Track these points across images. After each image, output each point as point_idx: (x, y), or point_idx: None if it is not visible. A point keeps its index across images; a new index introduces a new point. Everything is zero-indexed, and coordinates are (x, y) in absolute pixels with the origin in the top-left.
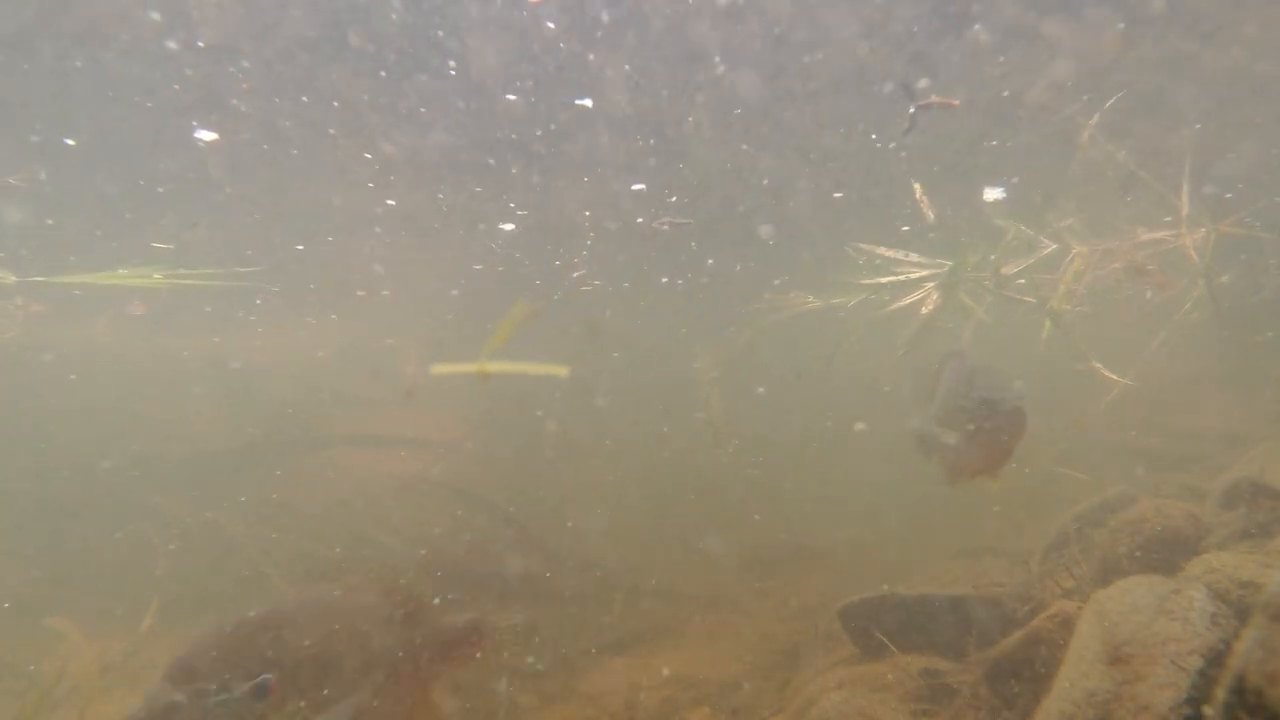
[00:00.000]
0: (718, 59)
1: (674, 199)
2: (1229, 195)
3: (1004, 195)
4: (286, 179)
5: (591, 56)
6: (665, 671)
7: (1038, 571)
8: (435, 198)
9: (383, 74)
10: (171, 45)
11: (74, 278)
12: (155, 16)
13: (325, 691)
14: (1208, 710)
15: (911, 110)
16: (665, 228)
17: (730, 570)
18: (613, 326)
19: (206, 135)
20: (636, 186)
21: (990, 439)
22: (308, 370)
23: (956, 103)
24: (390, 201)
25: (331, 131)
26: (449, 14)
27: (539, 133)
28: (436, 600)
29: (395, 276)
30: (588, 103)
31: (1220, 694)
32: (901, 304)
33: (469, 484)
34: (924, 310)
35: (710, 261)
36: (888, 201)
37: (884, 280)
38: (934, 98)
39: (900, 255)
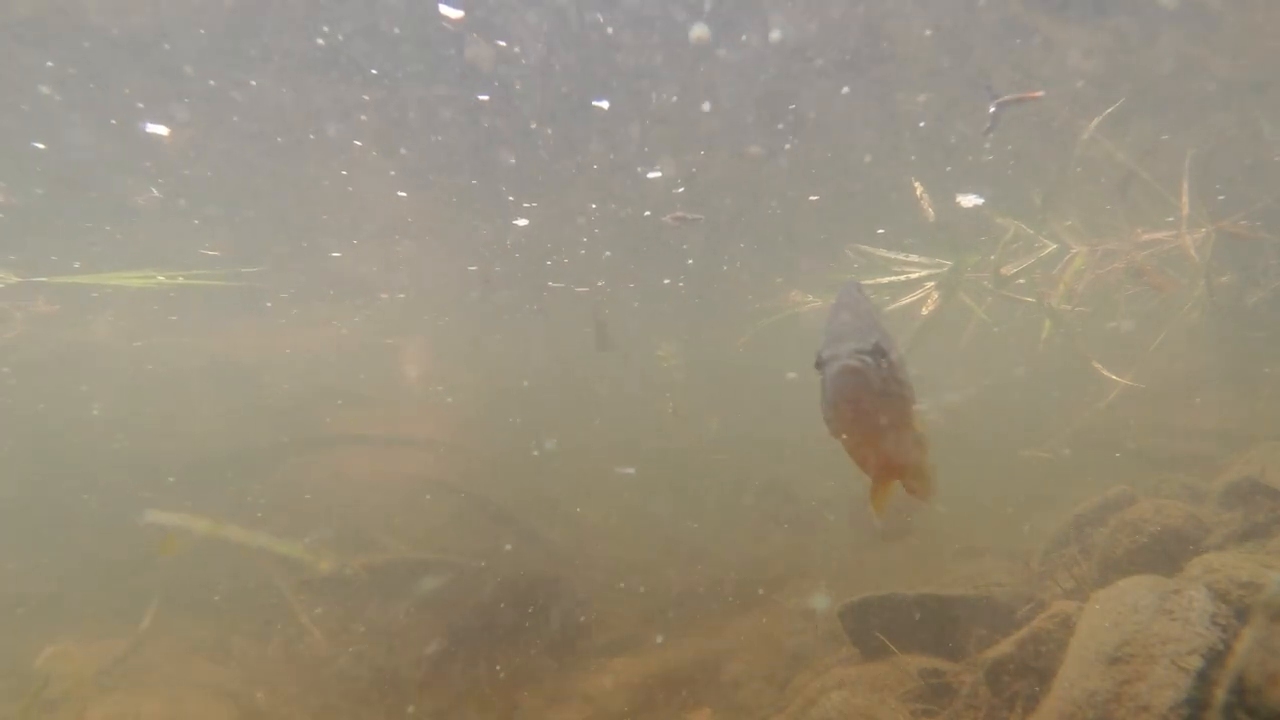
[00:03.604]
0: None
1: (682, 189)
2: (1222, 197)
3: (981, 201)
4: (298, 181)
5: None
6: (665, 671)
7: (1038, 571)
8: (446, 197)
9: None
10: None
11: (75, 278)
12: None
13: None
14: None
15: (992, 109)
16: (675, 223)
17: (724, 569)
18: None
19: (157, 129)
20: (653, 174)
21: (827, 410)
22: (310, 371)
23: (1040, 94)
24: (402, 193)
25: (357, 141)
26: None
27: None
28: None
29: (411, 278)
30: (604, 104)
31: (1220, 694)
32: (900, 304)
33: (468, 483)
34: (925, 311)
35: (690, 261)
36: (878, 201)
37: (884, 280)
38: (1011, 95)
39: (900, 256)
